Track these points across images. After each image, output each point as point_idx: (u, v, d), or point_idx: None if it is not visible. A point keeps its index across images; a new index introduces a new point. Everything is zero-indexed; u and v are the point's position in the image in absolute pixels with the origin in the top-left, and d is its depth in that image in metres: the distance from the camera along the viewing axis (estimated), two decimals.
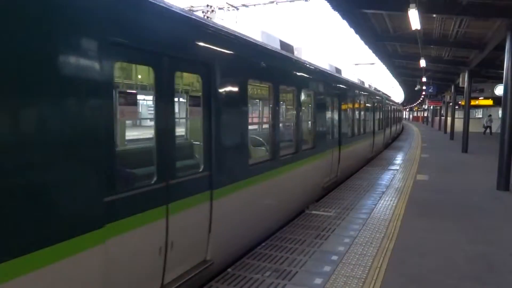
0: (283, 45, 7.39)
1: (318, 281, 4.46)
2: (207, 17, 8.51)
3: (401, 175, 11.94)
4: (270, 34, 6.98)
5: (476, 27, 12.86)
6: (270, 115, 6.12)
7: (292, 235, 6.09)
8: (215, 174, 4.33)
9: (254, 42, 5.74)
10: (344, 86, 11.07)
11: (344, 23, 12.54)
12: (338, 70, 11.59)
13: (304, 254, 5.26)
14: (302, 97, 7.46)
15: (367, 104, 14.86)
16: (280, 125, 6.51)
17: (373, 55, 19.75)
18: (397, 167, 13.61)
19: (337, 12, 11.37)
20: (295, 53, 8.43)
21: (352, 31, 13.99)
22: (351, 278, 4.54)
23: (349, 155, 11.28)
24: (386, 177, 11.48)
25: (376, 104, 17.37)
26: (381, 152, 18.84)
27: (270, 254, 5.27)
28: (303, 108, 7.91)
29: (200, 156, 4.35)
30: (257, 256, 5.22)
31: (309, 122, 8.39)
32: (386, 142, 21.74)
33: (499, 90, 19.90)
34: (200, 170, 4.21)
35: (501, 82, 10.25)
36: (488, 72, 19.60)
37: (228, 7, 14.03)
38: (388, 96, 27.60)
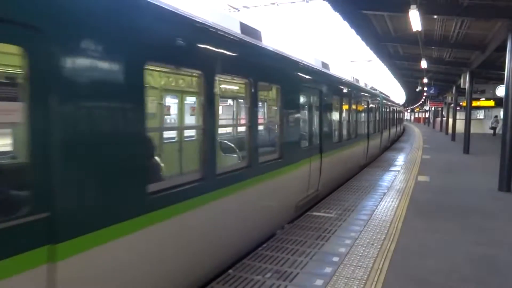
0: (246, 29, 5.86)
1: (319, 282, 4.45)
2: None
3: (402, 176, 11.93)
4: (227, 15, 5.62)
5: (477, 28, 12.86)
6: (201, 117, 4.28)
7: (293, 236, 6.08)
8: (62, 216, 2.63)
9: (164, 7, 3.77)
10: (328, 83, 9.46)
11: (342, 22, 12.43)
12: (325, 65, 10.05)
13: (305, 255, 5.26)
14: (260, 93, 5.82)
15: (360, 104, 13.25)
16: (218, 131, 4.63)
17: (370, 52, 19.70)
18: (398, 168, 13.59)
19: (338, 13, 11.39)
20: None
21: (348, 29, 14.00)
22: (352, 279, 4.53)
23: (334, 164, 9.61)
24: (387, 178, 11.46)
25: (372, 104, 15.77)
26: (378, 156, 17.42)
27: (271, 255, 5.27)
28: (262, 107, 6.59)
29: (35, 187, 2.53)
30: (258, 257, 5.21)
31: (273, 126, 6.81)
32: (384, 145, 20.10)
33: (500, 91, 19.88)
34: (25, 213, 2.44)
35: (503, 83, 10.24)
36: (489, 73, 19.61)
37: (229, 9, 14.08)
38: (387, 95, 26.18)
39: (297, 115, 7.11)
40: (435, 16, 11.77)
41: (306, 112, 7.92)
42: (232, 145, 6.97)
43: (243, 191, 5.05)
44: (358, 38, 15.20)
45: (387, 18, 13.54)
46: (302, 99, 7.51)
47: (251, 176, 5.25)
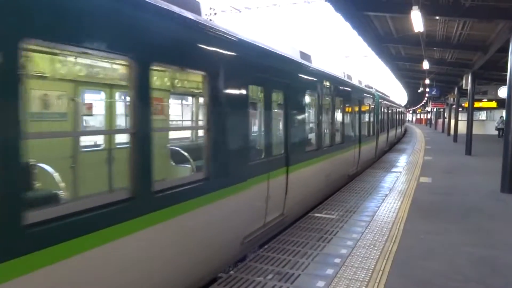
0: None
1: (320, 284, 4.44)
2: (210, 19, 8.43)
3: (404, 177, 11.90)
4: None
5: (479, 29, 12.84)
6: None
7: (295, 237, 6.07)
8: None
9: None
10: (306, 77, 7.73)
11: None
12: (305, 56, 8.32)
13: (307, 257, 5.25)
14: (164, 81, 4.62)
15: (350, 104, 11.41)
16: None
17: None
18: (400, 170, 13.57)
19: (340, 14, 11.39)
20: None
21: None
22: (353, 281, 4.52)
23: (308, 178, 7.70)
24: (389, 180, 11.43)
25: (366, 104, 14.04)
26: (373, 163, 15.63)
27: (272, 257, 5.26)
28: (173, 106, 5.16)
29: None
30: (260, 258, 5.21)
31: (196, 132, 5.45)
32: (380, 150, 18.01)
33: (502, 92, 19.83)
34: None
35: (505, 84, 10.23)
36: (491, 74, 19.57)
37: (231, 10, 14.12)
38: (385, 95, 24.22)
39: (242, 116, 5.16)
40: (437, 17, 11.76)
41: (261, 112, 6.07)
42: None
43: (117, 240, 3.15)
44: (353, 34, 15.21)
45: (389, 19, 13.54)
46: (254, 95, 5.81)
47: (134, 215, 3.32)
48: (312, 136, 8.34)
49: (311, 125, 8.26)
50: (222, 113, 4.65)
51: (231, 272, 4.77)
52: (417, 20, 9.81)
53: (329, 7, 10.46)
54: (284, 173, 6.44)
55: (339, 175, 10.25)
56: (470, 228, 6.73)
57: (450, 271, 4.88)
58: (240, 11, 14.61)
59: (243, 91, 5.14)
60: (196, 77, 5.02)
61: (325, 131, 9.14)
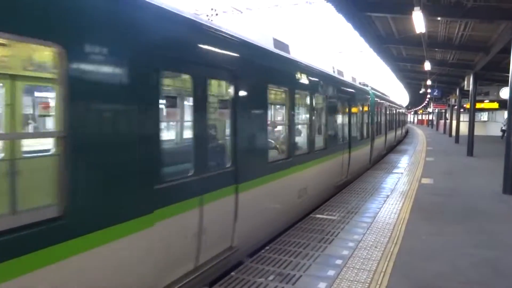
0: None
1: (322, 285, 4.43)
2: (211, 20, 8.39)
3: (405, 178, 11.87)
4: None
5: (481, 30, 12.83)
6: None
7: (296, 238, 6.06)
8: None
9: None
10: (262, 65, 5.92)
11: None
12: (281, 45, 7.01)
13: (308, 258, 5.23)
14: None
15: (336, 103, 9.82)
16: None
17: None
18: (402, 171, 13.54)
19: (341, 15, 11.38)
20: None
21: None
22: (355, 282, 4.51)
23: (273, 198, 6.12)
24: (390, 181, 11.41)
25: (358, 103, 12.50)
26: (368, 168, 14.17)
27: (274, 258, 5.25)
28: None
29: None
30: (261, 259, 5.20)
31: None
32: (377, 154, 16.31)
33: (504, 93, 19.80)
34: None
35: (507, 85, 10.21)
36: (493, 75, 19.55)
37: (233, 11, 14.13)
38: (383, 93, 22.47)
39: (144, 116, 3.49)
40: (439, 18, 11.75)
41: (188, 111, 4.56)
42: None
43: None
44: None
45: (390, 20, 13.53)
46: (173, 85, 4.64)
47: None
48: (279, 142, 6.97)
49: (278, 128, 6.90)
50: (97, 111, 3.08)
51: (232, 273, 4.76)
52: (418, 21, 9.80)
53: (330, 8, 10.41)
54: (232, 193, 4.87)
55: (322, 187, 8.73)
56: (472, 229, 6.71)
57: (452, 273, 4.86)
58: (241, 12, 14.61)
59: (145, 79, 3.50)
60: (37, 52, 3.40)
61: (300, 135, 7.61)
